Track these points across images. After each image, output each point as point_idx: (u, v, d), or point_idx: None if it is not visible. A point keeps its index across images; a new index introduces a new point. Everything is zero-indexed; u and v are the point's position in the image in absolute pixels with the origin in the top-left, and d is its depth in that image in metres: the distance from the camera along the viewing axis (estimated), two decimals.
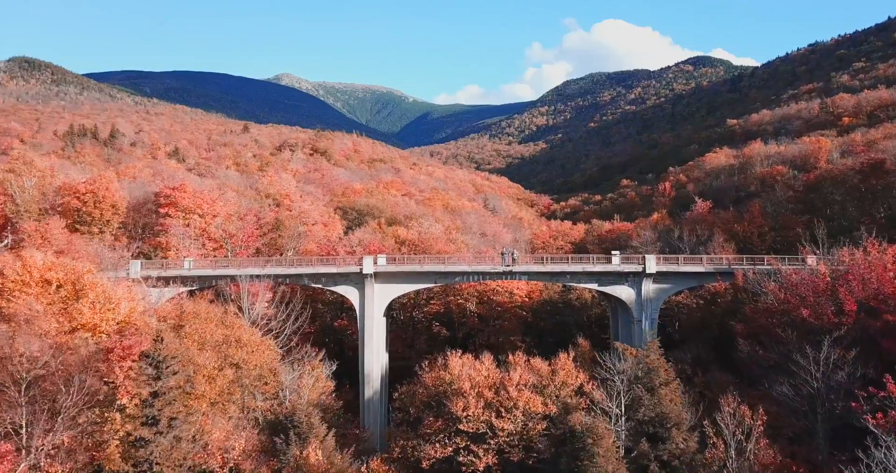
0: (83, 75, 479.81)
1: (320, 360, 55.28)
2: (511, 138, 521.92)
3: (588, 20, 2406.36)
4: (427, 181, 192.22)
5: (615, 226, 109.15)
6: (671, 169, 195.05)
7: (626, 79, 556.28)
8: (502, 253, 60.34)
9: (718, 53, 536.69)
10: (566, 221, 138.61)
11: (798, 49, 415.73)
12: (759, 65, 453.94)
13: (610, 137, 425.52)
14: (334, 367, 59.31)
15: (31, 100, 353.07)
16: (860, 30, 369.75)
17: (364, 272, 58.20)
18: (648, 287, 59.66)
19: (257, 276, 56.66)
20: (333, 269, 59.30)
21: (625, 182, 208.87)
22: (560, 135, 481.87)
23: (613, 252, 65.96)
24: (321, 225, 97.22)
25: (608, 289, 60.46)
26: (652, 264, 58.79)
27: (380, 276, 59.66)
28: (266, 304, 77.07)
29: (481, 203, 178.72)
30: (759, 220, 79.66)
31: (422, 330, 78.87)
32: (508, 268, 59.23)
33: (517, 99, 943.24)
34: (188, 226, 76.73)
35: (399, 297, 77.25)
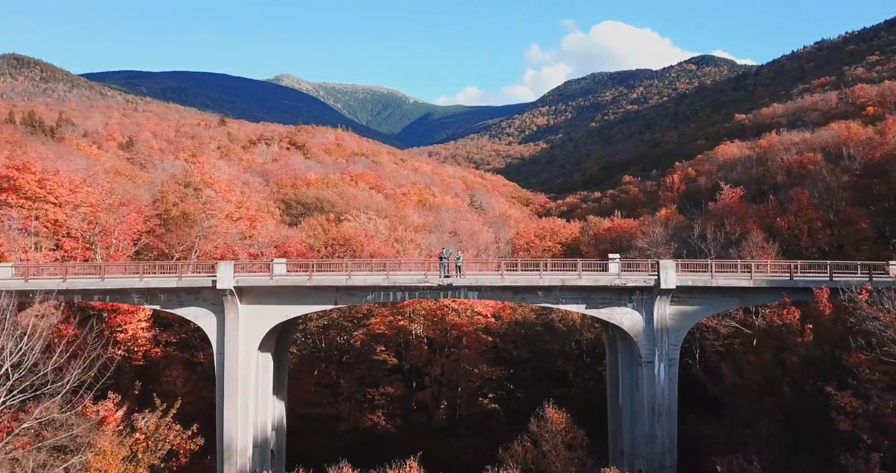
0: (80, 75, 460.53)
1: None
2: (511, 138, 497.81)
3: (586, 22, 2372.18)
4: (410, 176, 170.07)
5: (615, 223, 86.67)
6: (678, 163, 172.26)
7: (627, 78, 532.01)
8: (441, 257, 38.02)
9: (719, 55, 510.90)
10: (560, 219, 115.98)
11: (804, 47, 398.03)
12: (760, 64, 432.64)
13: (611, 137, 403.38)
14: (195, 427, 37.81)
15: (16, 97, 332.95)
16: (868, 27, 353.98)
17: (219, 287, 35.97)
18: (664, 310, 37.21)
19: (30, 293, 34.30)
20: (172, 282, 37.00)
21: (627, 178, 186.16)
22: (561, 135, 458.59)
23: (611, 255, 43.55)
24: (245, 220, 75.22)
25: (602, 314, 38.01)
26: (670, 274, 36.30)
27: (249, 294, 37.42)
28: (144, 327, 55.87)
29: (467, 200, 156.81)
30: (809, 213, 56.98)
31: (351, 363, 56.43)
32: (447, 281, 36.86)
33: (517, 101, 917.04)
34: (35, 218, 54.94)
35: (317, 318, 55.43)
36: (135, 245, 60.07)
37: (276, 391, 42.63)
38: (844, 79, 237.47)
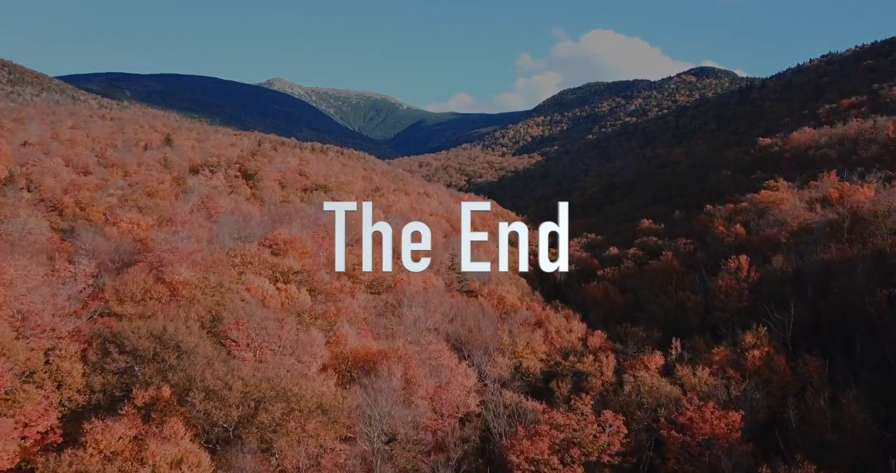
0: (59, 77, 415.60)
1: None
2: (505, 149, 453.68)
3: (576, 30, 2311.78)
4: (378, 217, 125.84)
5: (688, 415, 43.09)
6: (709, 207, 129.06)
7: (625, 89, 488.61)
8: None
9: (710, 65, 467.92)
10: (571, 327, 72.45)
11: (811, 60, 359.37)
12: (755, 76, 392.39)
13: (610, 151, 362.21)
14: None
15: None
16: (880, 40, 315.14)
17: None
18: None
19: None
20: None
21: (646, 223, 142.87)
22: (556, 147, 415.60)
23: None
24: None
25: None
26: None
27: None
28: None
29: (448, 260, 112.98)
30: None
31: None
32: None
33: (508, 109, 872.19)
34: None
35: None
36: None
37: None
38: (880, 99, 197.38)
